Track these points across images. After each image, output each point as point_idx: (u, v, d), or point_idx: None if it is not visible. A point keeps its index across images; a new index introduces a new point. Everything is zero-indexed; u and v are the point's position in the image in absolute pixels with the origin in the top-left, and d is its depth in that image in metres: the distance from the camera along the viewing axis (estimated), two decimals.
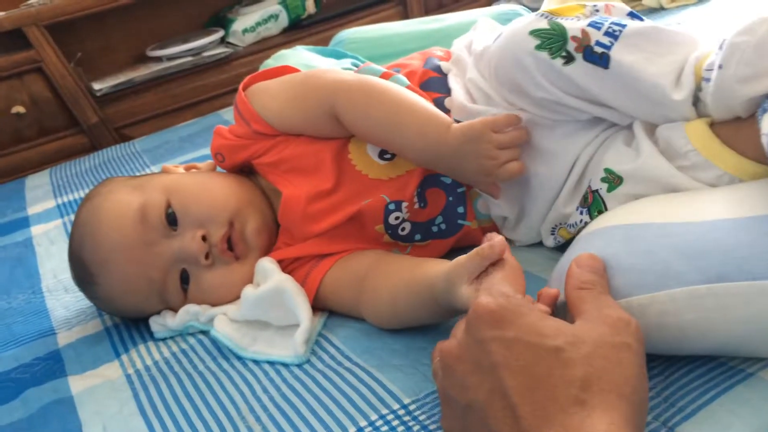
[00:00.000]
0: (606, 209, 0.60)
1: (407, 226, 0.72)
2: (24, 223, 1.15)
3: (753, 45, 0.50)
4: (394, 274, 0.64)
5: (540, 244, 0.73)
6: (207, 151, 1.25)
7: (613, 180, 0.61)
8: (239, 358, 0.67)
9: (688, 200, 0.54)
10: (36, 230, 1.11)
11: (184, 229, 0.70)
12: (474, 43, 0.76)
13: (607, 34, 0.57)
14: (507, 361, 0.41)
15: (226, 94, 1.80)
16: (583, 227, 0.61)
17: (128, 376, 0.68)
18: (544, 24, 0.60)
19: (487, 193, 0.70)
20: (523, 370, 0.41)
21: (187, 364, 0.68)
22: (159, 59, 1.81)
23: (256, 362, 0.66)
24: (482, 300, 0.45)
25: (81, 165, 1.40)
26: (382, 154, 0.71)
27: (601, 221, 0.57)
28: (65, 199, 1.22)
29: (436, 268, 0.58)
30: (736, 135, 0.54)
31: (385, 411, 0.55)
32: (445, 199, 0.72)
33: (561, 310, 0.50)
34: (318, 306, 0.71)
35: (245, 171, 0.79)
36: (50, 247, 1.03)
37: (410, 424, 0.54)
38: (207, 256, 0.69)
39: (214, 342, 0.70)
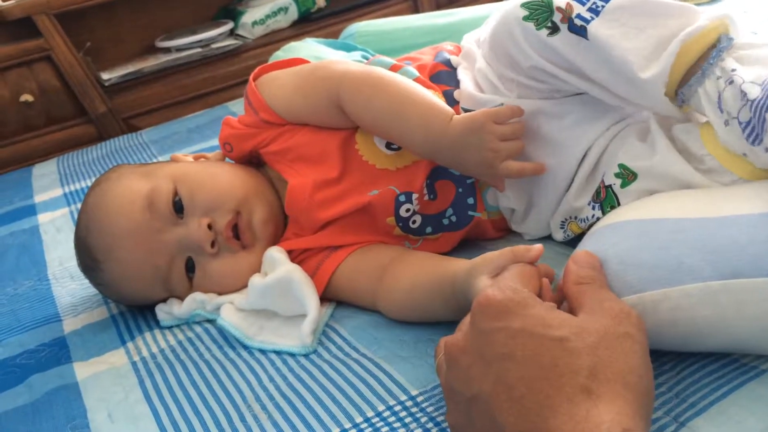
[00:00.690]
0: (619, 205, 0.60)
1: (418, 219, 0.71)
2: (31, 210, 1.15)
3: None
4: (418, 264, 0.65)
5: (549, 237, 0.72)
6: (215, 142, 1.25)
7: (627, 176, 0.60)
8: (246, 347, 0.67)
9: (702, 196, 0.53)
10: (43, 218, 1.11)
11: (190, 217, 0.70)
12: (483, 35, 0.76)
13: (590, 10, 0.57)
14: (512, 352, 0.41)
15: (234, 86, 1.79)
16: (595, 222, 0.61)
17: (134, 364, 0.68)
18: None
19: (492, 185, 0.69)
20: (529, 361, 0.41)
21: (193, 353, 0.68)
22: (168, 50, 1.80)
23: (262, 351, 0.66)
24: (488, 291, 0.45)
25: (88, 154, 1.40)
26: (389, 144, 0.71)
27: (614, 216, 0.56)
28: (72, 188, 1.22)
29: (462, 263, 0.59)
30: None
31: (392, 402, 0.55)
32: (455, 190, 0.71)
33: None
34: (328, 297, 0.71)
35: (254, 162, 0.79)
36: (57, 234, 1.03)
37: (418, 415, 0.53)
38: (213, 245, 0.69)
39: (221, 331, 0.70)
